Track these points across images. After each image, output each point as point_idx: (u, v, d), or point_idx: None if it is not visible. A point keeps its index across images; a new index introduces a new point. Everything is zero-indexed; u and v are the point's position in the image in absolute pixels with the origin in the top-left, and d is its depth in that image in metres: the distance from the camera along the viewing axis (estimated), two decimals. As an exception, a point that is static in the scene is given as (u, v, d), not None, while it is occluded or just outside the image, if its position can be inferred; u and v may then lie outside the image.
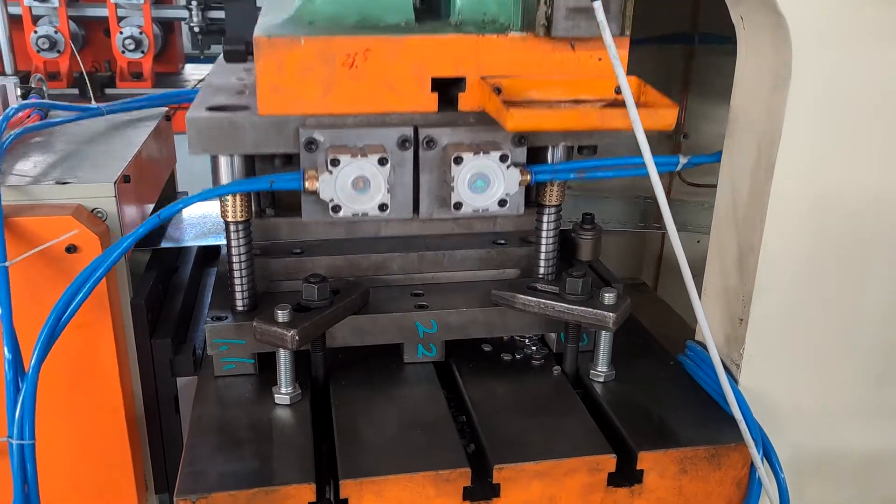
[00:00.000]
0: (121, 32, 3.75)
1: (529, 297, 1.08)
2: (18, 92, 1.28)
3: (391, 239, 1.21)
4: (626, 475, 0.96)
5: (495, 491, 0.93)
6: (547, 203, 1.09)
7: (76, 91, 3.69)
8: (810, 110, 0.91)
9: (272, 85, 0.92)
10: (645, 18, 1.00)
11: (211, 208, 1.37)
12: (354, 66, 0.93)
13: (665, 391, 1.08)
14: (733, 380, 1.03)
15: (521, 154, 1.00)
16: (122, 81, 3.84)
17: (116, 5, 3.76)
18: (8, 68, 3.66)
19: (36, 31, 3.71)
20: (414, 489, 0.90)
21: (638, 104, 0.85)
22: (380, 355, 1.13)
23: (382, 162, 0.93)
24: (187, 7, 3.97)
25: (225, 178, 0.99)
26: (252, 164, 1.04)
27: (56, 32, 3.70)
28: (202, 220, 1.36)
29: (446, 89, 0.97)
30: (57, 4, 3.66)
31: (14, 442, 0.85)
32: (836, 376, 1.05)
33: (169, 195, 1.47)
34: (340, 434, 0.97)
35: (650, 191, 0.87)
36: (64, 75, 3.74)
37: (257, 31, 0.92)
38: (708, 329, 0.91)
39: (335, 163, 0.92)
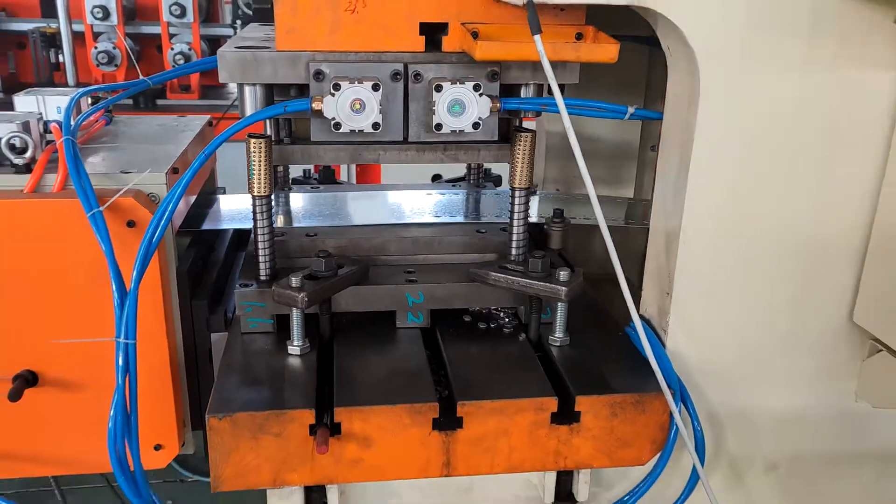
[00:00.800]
0: (171, 48, 4.09)
1: (499, 274, 1.31)
2: (89, 101, 1.55)
3: (389, 226, 1.45)
4: (565, 415, 1.18)
5: (459, 423, 1.16)
6: (517, 186, 1.31)
7: (131, 101, 4.04)
8: (716, 124, 1.13)
9: (288, 26, 1.17)
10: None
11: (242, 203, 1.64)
12: (356, 11, 1.17)
13: (608, 354, 1.30)
14: (662, 344, 1.25)
15: (493, 88, 1.22)
16: (172, 93, 4.19)
17: (168, 24, 4.11)
18: (70, 80, 4.02)
19: (96, 47, 4.07)
20: (393, 417, 1.14)
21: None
22: (376, 321, 1.37)
23: (376, 87, 1.17)
24: (232, 25, 4.30)
25: (249, 106, 1.22)
26: (272, 96, 1.28)
27: (114, 48, 4.06)
28: (236, 212, 1.63)
29: (433, 33, 1.21)
30: (115, 22, 4.02)
31: (121, 341, 1.11)
32: (750, 345, 1.26)
33: (210, 188, 1.74)
34: (339, 377, 1.21)
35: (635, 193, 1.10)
36: (120, 87, 4.09)
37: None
38: (629, 296, 1.13)
39: (337, 87, 1.16)
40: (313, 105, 1.17)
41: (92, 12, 3.95)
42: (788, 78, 1.12)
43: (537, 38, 1.02)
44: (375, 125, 1.18)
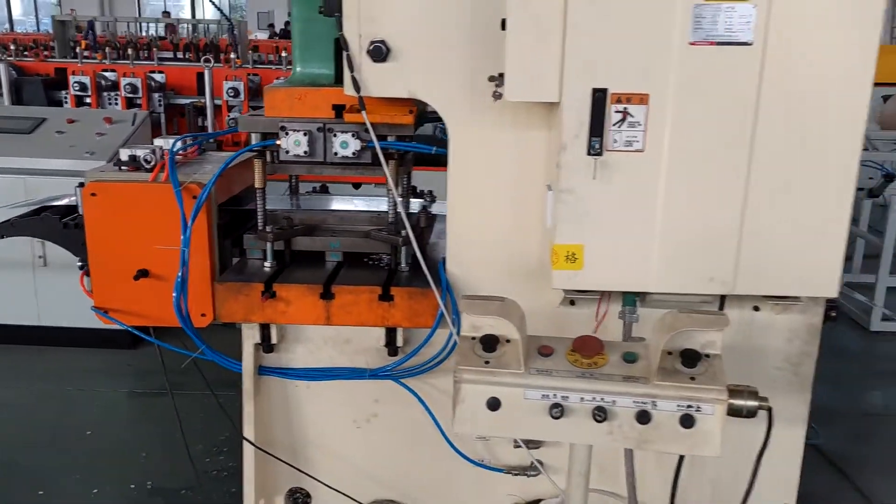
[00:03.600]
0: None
1: (380, 233, 2.51)
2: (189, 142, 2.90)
3: (329, 210, 2.69)
4: (386, 297, 2.34)
5: (332, 296, 2.34)
6: (389, 187, 2.51)
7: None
8: (459, 163, 2.27)
9: (269, 105, 2.42)
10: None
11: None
12: (300, 99, 2.37)
13: (419, 273, 2.43)
14: (444, 266, 2.38)
15: (366, 136, 2.40)
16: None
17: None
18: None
19: (229, 115, 5.66)
20: (301, 291, 2.34)
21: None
22: (316, 258, 2.59)
23: (305, 133, 2.36)
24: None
25: (254, 140, 2.52)
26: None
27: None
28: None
29: (339, 109, 2.35)
30: (242, 99, 5.61)
31: (184, 249, 2.39)
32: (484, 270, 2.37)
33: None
34: (282, 274, 2.44)
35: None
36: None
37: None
38: (419, 252, 2.28)
39: (286, 132, 2.39)
40: (278, 143, 2.44)
41: (227, 92, 5.56)
42: (496, 136, 2.25)
43: (363, 113, 2.24)
44: (305, 153, 2.43)
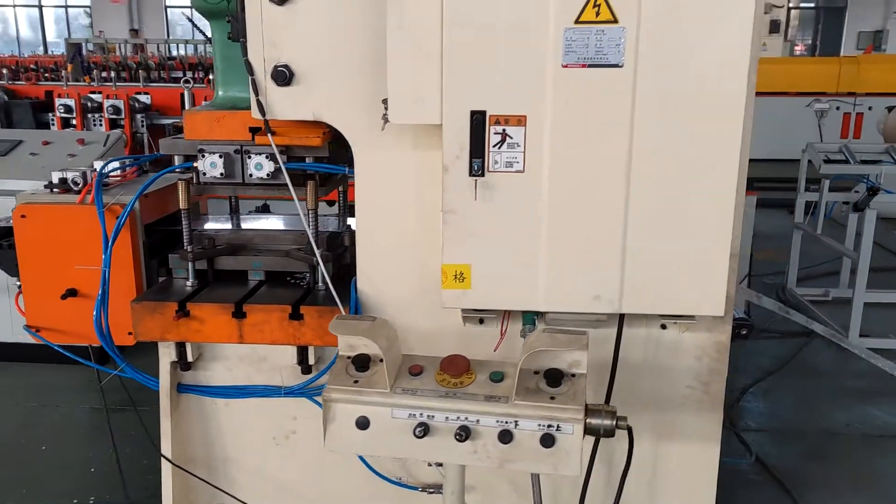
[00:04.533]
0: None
1: (299, 252, 2.55)
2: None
3: (253, 230, 2.74)
4: (296, 316, 2.37)
5: (244, 315, 2.38)
6: (308, 207, 2.55)
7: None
8: (365, 184, 2.31)
9: (188, 127, 2.49)
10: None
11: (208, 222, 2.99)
12: (219, 121, 2.46)
13: (340, 291, 2.48)
14: (355, 287, 2.41)
15: (281, 158, 2.46)
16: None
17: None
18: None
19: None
20: (214, 310, 2.38)
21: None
22: (240, 276, 2.63)
23: (221, 155, 2.42)
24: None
25: (176, 162, 2.57)
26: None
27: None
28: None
29: (254, 132, 2.43)
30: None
31: (105, 269, 2.44)
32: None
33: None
34: (200, 292, 2.49)
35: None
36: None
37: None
38: (325, 272, 2.32)
39: (203, 154, 2.45)
40: (195, 164, 2.50)
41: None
42: (398, 157, 2.28)
43: (269, 136, 2.29)
44: (221, 174, 2.48)
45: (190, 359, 2.49)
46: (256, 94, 2.25)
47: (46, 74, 7.89)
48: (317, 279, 2.52)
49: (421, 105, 1.97)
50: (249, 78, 2.24)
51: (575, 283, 1.99)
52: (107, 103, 5.69)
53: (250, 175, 2.46)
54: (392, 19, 1.95)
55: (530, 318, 2.16)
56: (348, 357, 1.82)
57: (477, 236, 1.98)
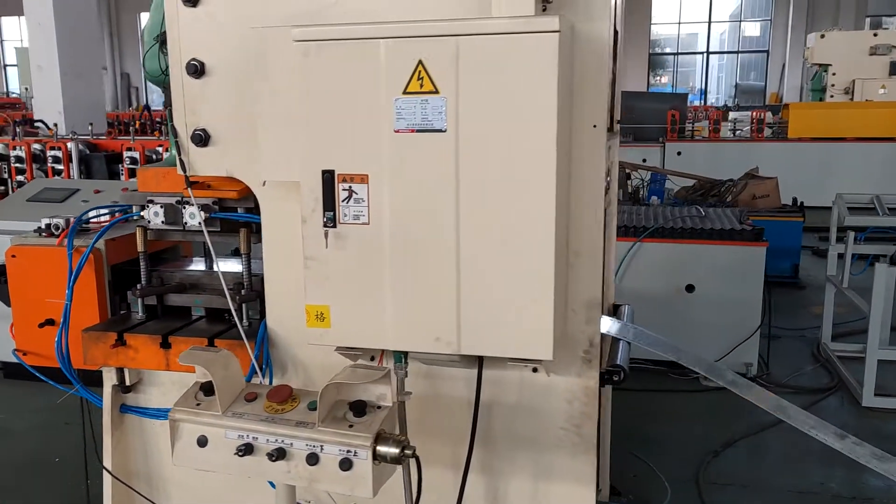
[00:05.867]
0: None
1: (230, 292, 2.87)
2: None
3: (200, 271, 3.08)
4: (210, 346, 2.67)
5: (169, 345, 2.71)
6: (242, 251, 2.86)
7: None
8: (271, 233, 2.60)
9: (141, 181, 2.89)
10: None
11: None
12: (164, 177, 2.84)
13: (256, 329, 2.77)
14: (265, 326, 2.68)
15: (213, 209, 2.80)
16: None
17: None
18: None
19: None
20: (146, 339, 2.73)
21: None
22: (181, 311, 2.97)
23: (163, 206, 2.80)
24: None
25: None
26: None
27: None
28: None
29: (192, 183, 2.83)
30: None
31: (67, 302, 2.85)
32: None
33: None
34: (142, 326, 2.84)
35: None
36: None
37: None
38: (228, 293, 2.62)
39: (152, 203, 2.82)
40: (143, 213, 2.87)
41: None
42: (290, 209, 2.57)
43: (189, 189, 2.63)
44: (163, 222, 2.84)
45: (128, 383, 2.84)
46: (179, 153, 2.60)
47: (119, 127, 8.79)
48: (241, 316, 2.82)
49: (287, 164, 2.26)
50: (173, 140, 2.60)
51: (418, 325, 2.19)
52: (165, 155, 6.32)
53: (185, 224, 2.81)
54: (264, 90, 2.26)
55: (399, 356, 2.36)
56: (201, 383, 2.09)
57: (333, 280, 2.22)
